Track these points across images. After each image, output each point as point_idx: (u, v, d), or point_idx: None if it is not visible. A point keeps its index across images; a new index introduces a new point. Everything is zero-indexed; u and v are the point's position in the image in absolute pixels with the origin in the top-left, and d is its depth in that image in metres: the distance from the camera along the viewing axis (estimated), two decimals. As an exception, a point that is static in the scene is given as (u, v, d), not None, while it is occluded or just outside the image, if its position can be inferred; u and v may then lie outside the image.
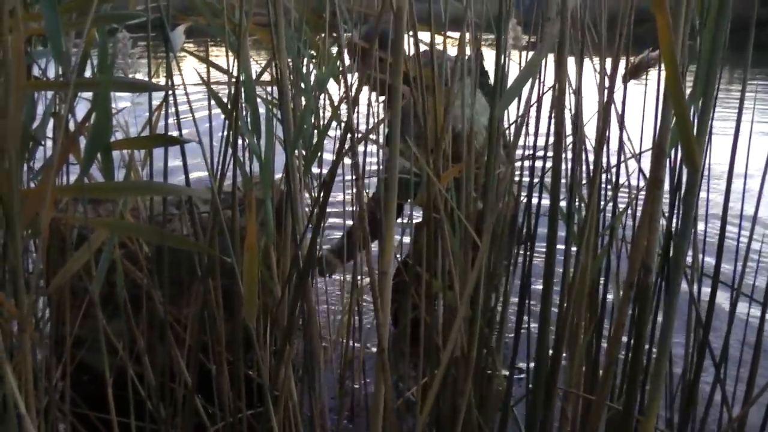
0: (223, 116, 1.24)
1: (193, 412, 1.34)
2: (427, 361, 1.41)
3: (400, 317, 2.03)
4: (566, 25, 0.82)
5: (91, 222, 1.14)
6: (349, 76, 2.05)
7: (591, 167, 1.34)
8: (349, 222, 2.40)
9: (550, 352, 1.02)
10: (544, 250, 0.99)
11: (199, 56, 1.54)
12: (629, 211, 1.49)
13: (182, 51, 1.35)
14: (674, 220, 1.35)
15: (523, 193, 1.51)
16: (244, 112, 1.21)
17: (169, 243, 1.17)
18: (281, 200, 1.30)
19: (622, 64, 1.24)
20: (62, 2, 1.02)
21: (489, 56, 1.53)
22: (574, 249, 1.13)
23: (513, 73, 1.17)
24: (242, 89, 1.17)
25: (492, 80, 2.05)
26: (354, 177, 1.04)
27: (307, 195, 1.73)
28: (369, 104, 2.14)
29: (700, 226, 1.47)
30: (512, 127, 1.53)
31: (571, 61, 1.06)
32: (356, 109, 1.78)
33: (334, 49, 1.64)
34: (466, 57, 1.37)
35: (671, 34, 0.62)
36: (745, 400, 1.38)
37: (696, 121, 0.73)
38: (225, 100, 1.25)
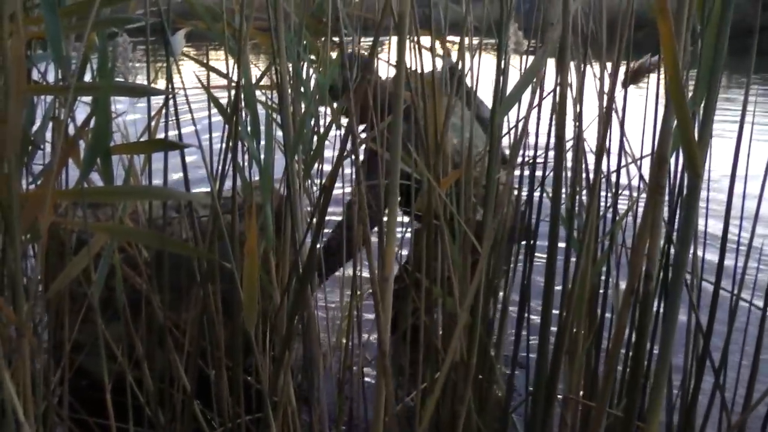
0: (222, 119, 1.24)
1: (191, 418, 1.33)
2: (426, 366, 1.41)
3: (399, 323, 2.02)
4: (568, 30, 0.82)
5: (90, 226, 1.14)
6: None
7: (591, 173, 1.34)
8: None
9: (550, 357, 1.02)
10: (543, 256, 0.99)
11: (199, 61, 1.53)
12: (629, 216, 1.49)
13: (182, 55, 1.35)
14: (675, 224, 1.35)
15: (524, 193, 1.51)
16: (244, 117, 1.21)
17: (168, 248, 1.17)
18: (280, 205, 1.30)
19: (622, 69, 1.24)
20: (62, 6, 1.02)
21: (489, 60, 1.53)
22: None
23: (512, 77, 1.17)
24: (242, 94, 1.17)
25: (486, 112, 2.05)
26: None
27: (306, 201, 1.73)
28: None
29: (700, 226, 1.46)
30: (512, 132, 1.53)
31: (570, 67, 1.05)
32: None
33: (334, 54, 1.64)
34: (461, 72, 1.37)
35: (674, 39, 0.62)
36: (745, 405, 1.37)
37: (697, 126, 0.73)
38: (224, 103, 1.25)
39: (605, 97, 1.16)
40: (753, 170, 1.57)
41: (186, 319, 1.79)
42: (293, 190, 1.21)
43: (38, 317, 1.45)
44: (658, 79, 1.37)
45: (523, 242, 1.58)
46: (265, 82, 1.51)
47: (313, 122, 1.48)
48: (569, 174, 1.33)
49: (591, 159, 1.33)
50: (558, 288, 1.10)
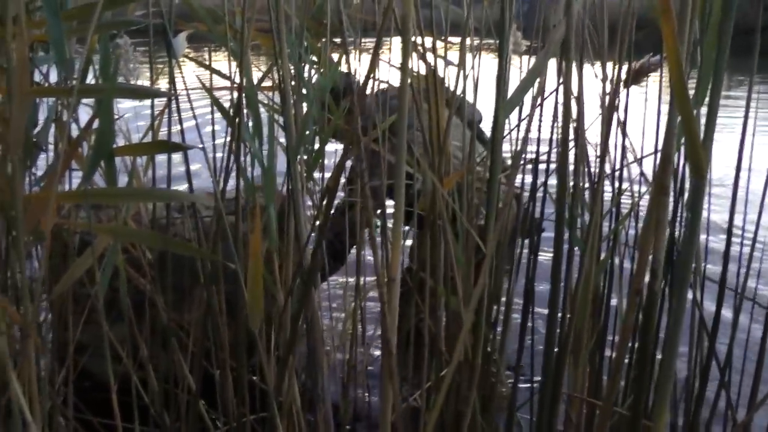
0: (224, 120, 1.24)
1: (196, 418, 1.34)
2: (430, 365, 1.41)
3: (402, 324, 2.02)
4: (571, 30, 0.82)
5: (93, 228, 1.14)
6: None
7: (594, 172, 1.34)
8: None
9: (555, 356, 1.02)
10: (549, 255, 0.99)
11: (201, 63, 1.53)
12: (632, 216, 1.49)
13: (184, 57, 1.35)
14: (676, 225, 1.35)
15: (526, 192, 1.51)
16: (246, 119, 1.21)
17: (171, 249, 1.17)
18: (283, 205, 1.30)
19: (624, 69, 1.24)
20: (65, 9, 1.02)
21: (489, 61, 1.53)
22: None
23: (513, 78, 1.17)
24: (244, 96, 1.17)
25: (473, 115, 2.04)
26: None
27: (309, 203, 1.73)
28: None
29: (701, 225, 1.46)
30: (513, 133, 1.53)
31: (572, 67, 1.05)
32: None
33: (335, 55, 1.64)
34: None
35: (677, 40, 0.62)
36: (750, 405, 1.38)
37: (701, 127, 0.73)
38: (227, 105, 1.25)
39: (607, 98, 1.16)
40: (754, 170, 1.58)
41: (190, 319, 1.80)
42: (296, 192, 1.22)
43: (42, 318, 1.46)
44: (660, 78, 1.37)
45: (527, 239, 1.58)
46: (266, 83, 1.51)
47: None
48: (571, 174, 1.33)
49: (592, 159, 1.33)
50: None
